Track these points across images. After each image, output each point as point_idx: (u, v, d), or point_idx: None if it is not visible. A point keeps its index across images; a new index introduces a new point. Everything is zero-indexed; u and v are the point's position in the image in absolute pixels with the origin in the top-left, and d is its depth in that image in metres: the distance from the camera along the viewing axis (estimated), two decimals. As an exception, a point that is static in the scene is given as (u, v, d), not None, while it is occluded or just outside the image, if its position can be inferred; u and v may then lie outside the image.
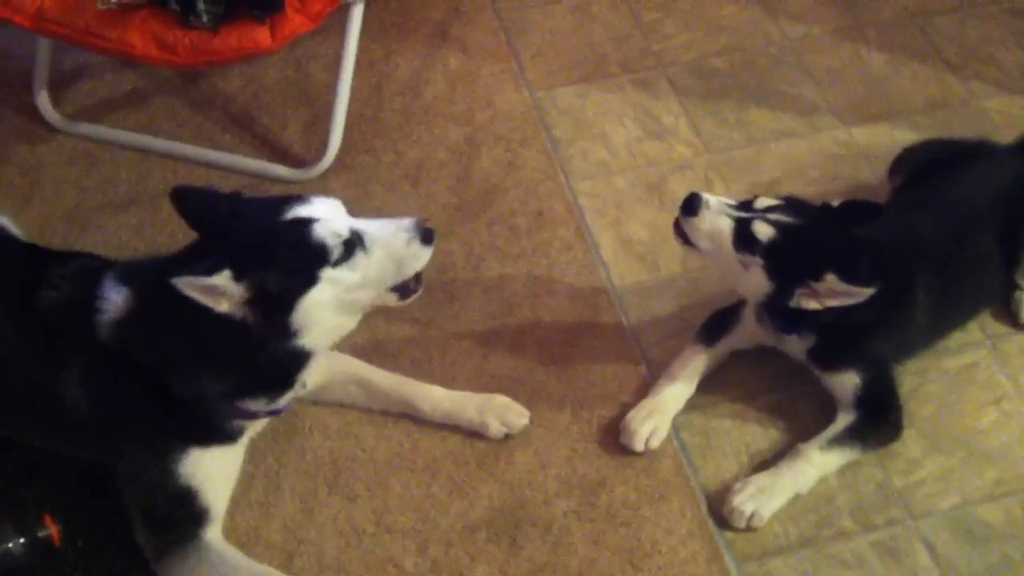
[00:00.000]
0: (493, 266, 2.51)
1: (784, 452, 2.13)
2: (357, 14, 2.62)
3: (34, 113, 2.84)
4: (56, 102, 2.84)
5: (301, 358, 1.89)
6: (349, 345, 2.31)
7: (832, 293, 1.97)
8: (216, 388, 1.88)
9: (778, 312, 2.09)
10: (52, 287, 1.96)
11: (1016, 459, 2.15)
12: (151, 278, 1.88)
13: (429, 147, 2.77)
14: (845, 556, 2.03)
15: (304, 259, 1.81)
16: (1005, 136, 2.57)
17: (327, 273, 1.82)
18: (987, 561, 2.01)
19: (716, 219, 2.04)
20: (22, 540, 1.97)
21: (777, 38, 3.02)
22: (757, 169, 2.69)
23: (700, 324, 2.30)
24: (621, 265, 2.50)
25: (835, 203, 2.08)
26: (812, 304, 2.00)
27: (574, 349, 2.35)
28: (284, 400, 1.99)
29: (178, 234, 2.55)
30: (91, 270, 2.00)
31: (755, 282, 2.05)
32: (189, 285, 1.73)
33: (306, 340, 1.86)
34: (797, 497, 2.08)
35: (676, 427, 2.20)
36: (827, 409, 2.18)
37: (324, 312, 1.85)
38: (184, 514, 1.93)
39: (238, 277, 1.76)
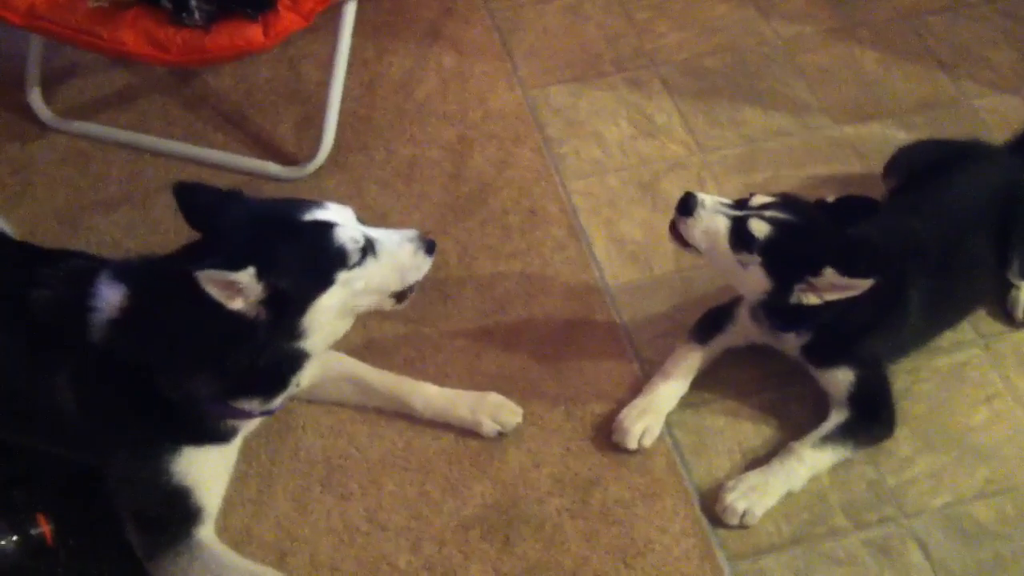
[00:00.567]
0: (486, 265, 2.51)
1: (777, 450, 2.14)
2: (350, 12, 2.62)
3: (26, 111, 2.83)
4: (48, 100, 2.84)
5: (299, 359, 1.91)
6: (343, 343, 2.29)
7: (831, 287, 1.98)
8: (211, 388, 1.88)
9: (776, 310, 2.10)
10: (43, 286, 1.95)
11: (1007, 457, 2.15)
12: (148, 277, 1.88)
13: (422, 146, 2.77)
14: (837, 554, 2.03)
15: (325, 261, 1.85)
16: (997, 136, 2.58)
17: (342, 276, 1.86)
18: (979, 559, 2.02)
19: (712, 218, 2.04)
20: (15, 538, 1.96)
21: (770, 38, 3.03)
22: (750, 168, 2.70)
23: (694, 323, 2.31)
24: (614, 264, 2.50)
25: (830, 199, 2.08)
26: (812, 299, 2.00)
27: (567, 348, 2.35)
28: (278, 400, 1.98)
29: (170, 233, 2.57)
30: (83, 270, 1.99)
31: (754, 280, 2.06)
32: (211, 278, 1.73)
33: (308, 342, 1.87)
34: (790, 495, 2.08)
35: (669, 425, 2.20)
36: (819, 408, 2.18)
37: (330, 315, 1.87)
38: (176, 513, 1.93)
39: (262, 275, 1.76)
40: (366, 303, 1.95)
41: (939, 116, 2.80)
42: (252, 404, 1.94)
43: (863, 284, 1.95)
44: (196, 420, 1.93)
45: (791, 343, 2.17)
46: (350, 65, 2.70)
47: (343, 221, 1.89)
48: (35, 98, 2.83)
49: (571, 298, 2.44)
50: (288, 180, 2.68)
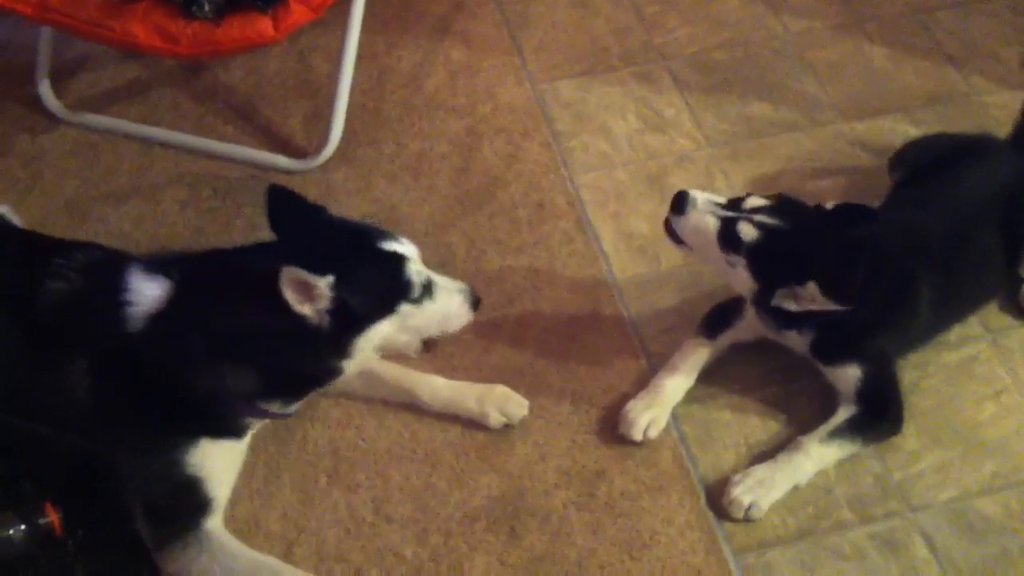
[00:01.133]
0: (494, 258, 2.51)
1: (783, 445, 2.14)
2: (359, 5, 2.62)
3: (36, 104, 2.84)
4: (58, 93, 2.84)
5: (332, 376, 1.95)
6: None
7: (812, 300, 1.99)
8: (248, 387, 1.91)
9: (771, 310, 2.10)
10: (59, 277, 1.97)
11: (1015, 452, 2.15)
12: (198, 272, 1.91)
13: (430, 139, 2.77)
14: (843, 548, 2.03)
15: (394, 290, 1.92)
16: (1006, 131, 2.57)
17: (403, 308, 1.93)
18: (985, 553, 2.02)
19: (703, 218, 2.06)
20: (23, 527, 1.96)
21: (779, 32, 3.02)
22: (758, 163, 2.70)
23: (702, 317, 2.31)
24: (622, 258, 2.51)
25: (829, 205, 2.08)
26: (791, 306, 2.02)
27: (574, 341, 2.35)
28: (296, 406, 2.02)
29: (178, 225, 2.58)
30: (99, 261, 2.02)
31: (741, 280, 2.08)
32: (295, 276, 1.77)
33: (350, 363, 1.93)
34: (796, 489, 2.08)
35: (676, 419, 2.20)
36: (827, 402, 2.18)
37: (379, 341, 1.94)
38: (187, 504, 1.94)
39: (337, 286, 1.82)
40: (403, 340, 2.00)
41: (948, 111, 2.80)
42: (273, 406, 1.97)
43: (840, 308, 1.96)
44: (217, 415, 1.95)
45: (797, 340, 2.17)
46: (359, 58, 2.70)
47: (415, 257, 1.98)
48: (45, 90, 2.83)
49: (578, 292, 2.44)
50: (297, 173, 2.69)
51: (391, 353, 2.11)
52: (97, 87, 2.92)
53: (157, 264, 1.95)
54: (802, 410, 2.22)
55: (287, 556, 2.02)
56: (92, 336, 1.92)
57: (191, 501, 1.94)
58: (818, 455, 2.09)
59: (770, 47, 2.98)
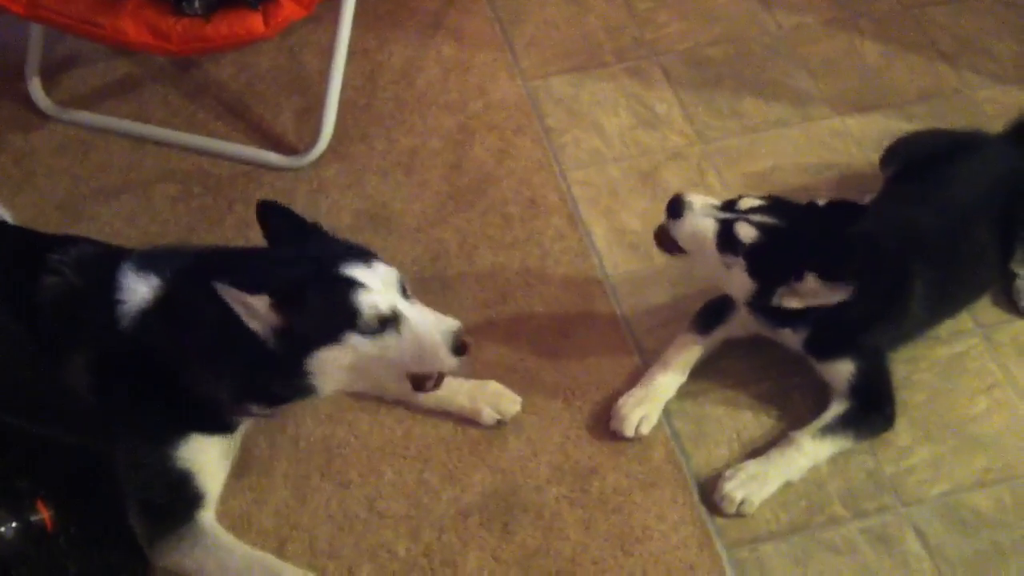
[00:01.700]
0: (486, 255, 2.51)
1: (776, 440, 2.14)
2: (350, 1, 2.61)
3: (26, 101, 2.84)
4: (48, 90, 2.84)
5: (307, 390, 1.89)
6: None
7: (813, 292, 1.99)
8: (221, 389, 1.89)
9: (765, 309, 2.10)
10: (54, 272, 1.97)
11: (1006, 447, 2.15)
12: (185, 272, 1.89)
13: (422, 136, 2.77)
14: (835, 542, 2.03)
15: (336, 318, 1.81)
16: (998, 127, 2.57)
17: (351, 339, 1.82)
18: (977, 548, 2.02)
19: (700, 221, 2.06)
20: (15, 525, 1.96)
21: (771, 28, 3.02)
22: (751, 159, 2.70)
23: (694, 313, 2.31)
24: (614, 254, 2.50)
25: (821, 202, 2.09)
26: (794, 303, 2.02)
27: (567, 338, 2.35)
28: (282, 408, 2.01)
29: (170, 223, 2.58)
30: (93, 256, 2.01)
31: (738, 282, 2.07)
32: (228, 293, 1.75)
33: (317, 382, 1.86)
34: (788, 484, 2.08)
35: (668, 414, 2.20)
36: (819, 398, 2.19)
37: (338, 369, 1.85)
38: (180, 498, 1.94)
39: (276, 306, 1.77)
40: (380, 374, 1.89)
41: (941, 107, 2.80)
42: (259, 409, 1.96)
43: (843, 291, 1.96)
44: (205, 411, 1.94)
45: (790, 337, 2.17)
46: (351, 55, 2.70)
47: (375, 286, 1.83)
48: (35, 88, 2.83)
49: (571, 288, 2.44)
50: (288, 169, 2.68)
51: (377, 390, 2.07)
52: (87, 84, 2.92)
53: (150, 260, 1.95)
54: (795, 405, 2.22)
55: (280, 553, 2.02)
56: (86, 333, 1.92)
57: (183, 495, 1.94)
58: (811, 450, 2.09)
59: (762, 43, 2.98)
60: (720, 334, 2.28)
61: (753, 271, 2.04)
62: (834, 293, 1.97)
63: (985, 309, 2.36)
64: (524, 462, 2.15)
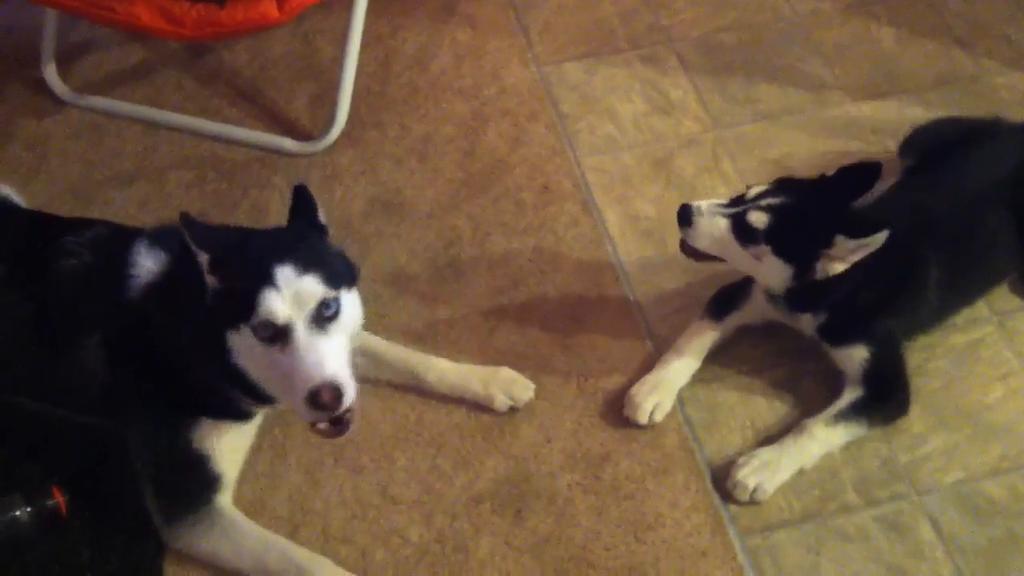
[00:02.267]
0: (499, 241, 2.51)
1: (789, 427, 2.13)
2: (364, -13, 2.62)
3: (41, 87, 2.85)
4: (63, 75, 2.85)
5: (247, 384, 1.87)
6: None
7: (849, 252, 1.97)
8: (205, 371, 1.90)
9: (792, 292, 2.09)
10: (71, 255, 1.98)
11: (1021, 435, 2.14)
12: (187, 246, 1.89)
13: (436, 122, 2.76)
14: (849, 530, 2.03)
15: (240, 304, 1.78)
16: (1016, 113, 2.55)
17: (244, 331, 1.79)
18: (991, 536, 2.01)
19: (712, 221, 2.05)
20: (29, 509, 1.97)
21: (786, 14, 3.01)
22: (765, 145, 2.68)
23: (708, 299, 2.30)
24: (628, 240, 2.50)
25: (830, 173, 2.07)
26: (838, 267, 1.99)
27: (580, 324, 2.35)
28: (264, 408, 2.01)
29: (183, 208, 2.56)
30: (110, 236, 2.04)
31: (774, 269, 2.06)
32: (189, 244, 1.81)
33: (241, 363, 1.84)
34: (801, 471, 2.08)
35: (681, 401, 2.20)
36: (833, 385, 2.18)
37: (247, 356, 1.82)
38: (195, 481, 1.95)
39: (212, 267, 1.80)
40: (274, 388, 1.86)
41: (957, 93, 2.78)
42: (246, 401, 1.95)
43: (878, 239, 1.94)
44: (215, 397, 1.95)
45: (806, 323, 2.17)
46: (364, 40, 2.70)
47: (285, 296, 1.76)
48: (50, 73, 2.83)
49: (584, 274, 2.43)
50: (302, 155, 2.68)
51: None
52: (102, 70, 2.92)
53: (162, 236, 1.97)
54: (809, 392, 2.21)
55: (293, 537, 2.02)
56: (101, 309, 1.94)
57: (198, 478, 1.95)
58: (824, 438, 2.09)
59: (777, 29, 2.97)
60: (734, 321, 2.28)
61: (781, 252, 2.03)
62: (870, 244, 1.95)
63: (1001, 297, 2.35)
64: (537, 448, 2.15)
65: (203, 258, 1.80)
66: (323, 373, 1.75)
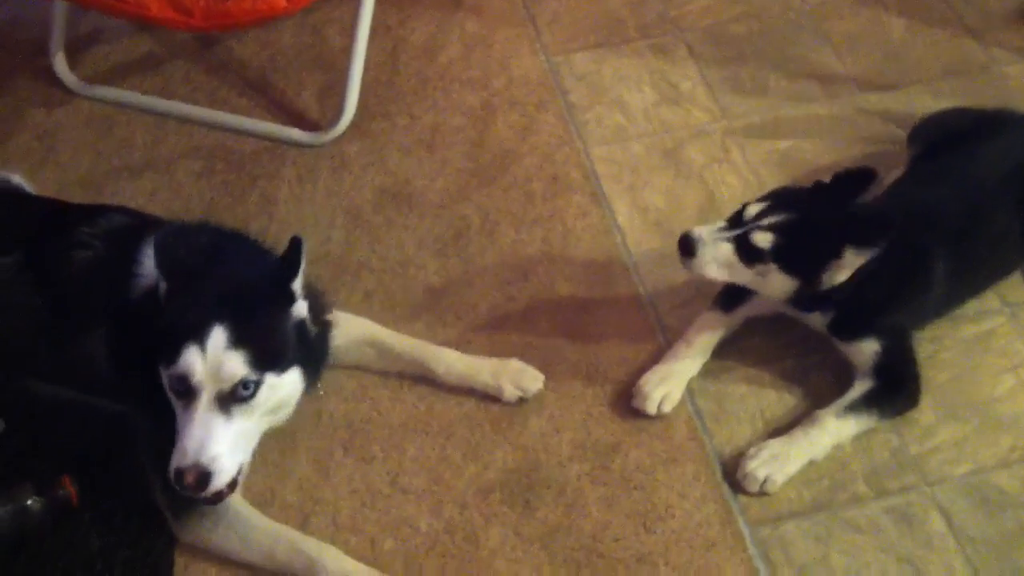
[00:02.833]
0: (508, 232, 2.50)
1: (799, 418, 2.13)
2: (373, -23, 2.61)
3: (50, 77, 2.85)
4: (72, 66, 2.85)
5: None
6: (365, 309, 2.32)
7: (856, 262, 1.98)
8: None
9: (801, 297, 2.09)
10: (84, 247, 1.99)
11: (1032, 426, 2.14)
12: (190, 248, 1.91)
13: (445, 112, 2.76)
14: (859, 521, 2.02)
15: (171, 351, 1.79)
16: (1026, 103, 2.55)
17: (163, 373, 1.82)
18: (1002, 528, 2.01)
19: (716, 248, 2.04)
20: (40, 499, 1.98)
21: (796, 4, 2.99)
22: (775, 136, 2.67)
23: (717, 291, 2.30)
24: (637, 231, 2.49)
25: (826, 179, 2.07)
26: (844, 274, 2.01)
27: (589, 315, 2.35)
28: None
29: (192, 199, 2.58)
30: (125, 228, 2.05)
31: (779, 284, 2.06)
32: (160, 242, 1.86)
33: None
34: (811, 463, 2.07)
35: (691, 392, 2.20)
36: (843, 376, 2.17)
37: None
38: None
39: (167, 299, 1.83)
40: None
41: (967, 83, 2.76)
42: None
43: (883, 244, 1.96)
44: None
45: (816, 319, 2.17)
46: (373, 31, 2.70)
47: (207, 361, 1.76)
48: (60, 63, 2.84)
49: (593, 265, 2.43)
50: (310, 146, 2.69)
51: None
52: (111, 60, 2.93)
53: (177, 235, 1.97)
54: (818, 383, 2.20)
55: (303, 527, 2.03)
56: (108, 304, 1.95)
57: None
58: (834, 429, 2.08)
59: (787, 19, 2.96)
60: (743, 313, 2.27)
61: (788, 269, 2.03)
62: (876, 249, 1.97)
63: (1012, 288, 2.34)
64: (546, 439, 2.15)
65: (163, 286, 1.82)
66: (199, 455, 1.76)
